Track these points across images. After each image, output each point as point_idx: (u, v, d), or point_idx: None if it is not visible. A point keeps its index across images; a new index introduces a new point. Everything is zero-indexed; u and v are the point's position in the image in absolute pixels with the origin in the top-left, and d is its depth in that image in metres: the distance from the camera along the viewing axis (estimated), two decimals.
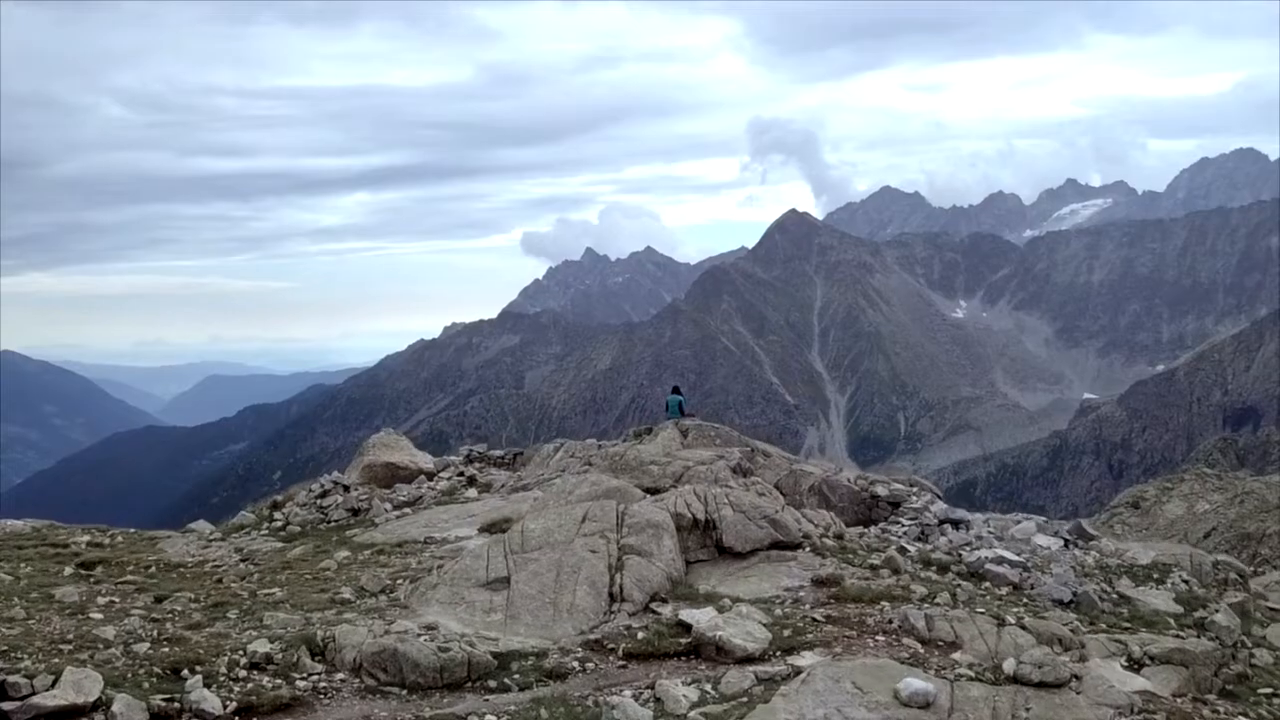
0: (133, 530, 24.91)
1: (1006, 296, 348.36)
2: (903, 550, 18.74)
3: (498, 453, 32.57)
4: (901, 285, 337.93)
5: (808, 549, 17.93)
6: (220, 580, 17.79)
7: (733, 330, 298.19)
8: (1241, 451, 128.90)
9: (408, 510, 24.91)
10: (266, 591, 16.44)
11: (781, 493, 22.09)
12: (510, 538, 16.05)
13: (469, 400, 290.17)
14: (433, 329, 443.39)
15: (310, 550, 20.38)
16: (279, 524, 24.69)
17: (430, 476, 28.92)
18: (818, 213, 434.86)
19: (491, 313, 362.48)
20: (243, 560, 20.10)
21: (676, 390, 33.15)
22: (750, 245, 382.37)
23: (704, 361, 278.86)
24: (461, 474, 29.40)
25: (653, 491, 20.22)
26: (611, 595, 14.88)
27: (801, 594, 15.93)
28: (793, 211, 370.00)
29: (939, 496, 24.63)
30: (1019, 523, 21.91)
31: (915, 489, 24.41)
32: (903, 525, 21.08)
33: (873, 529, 21.13)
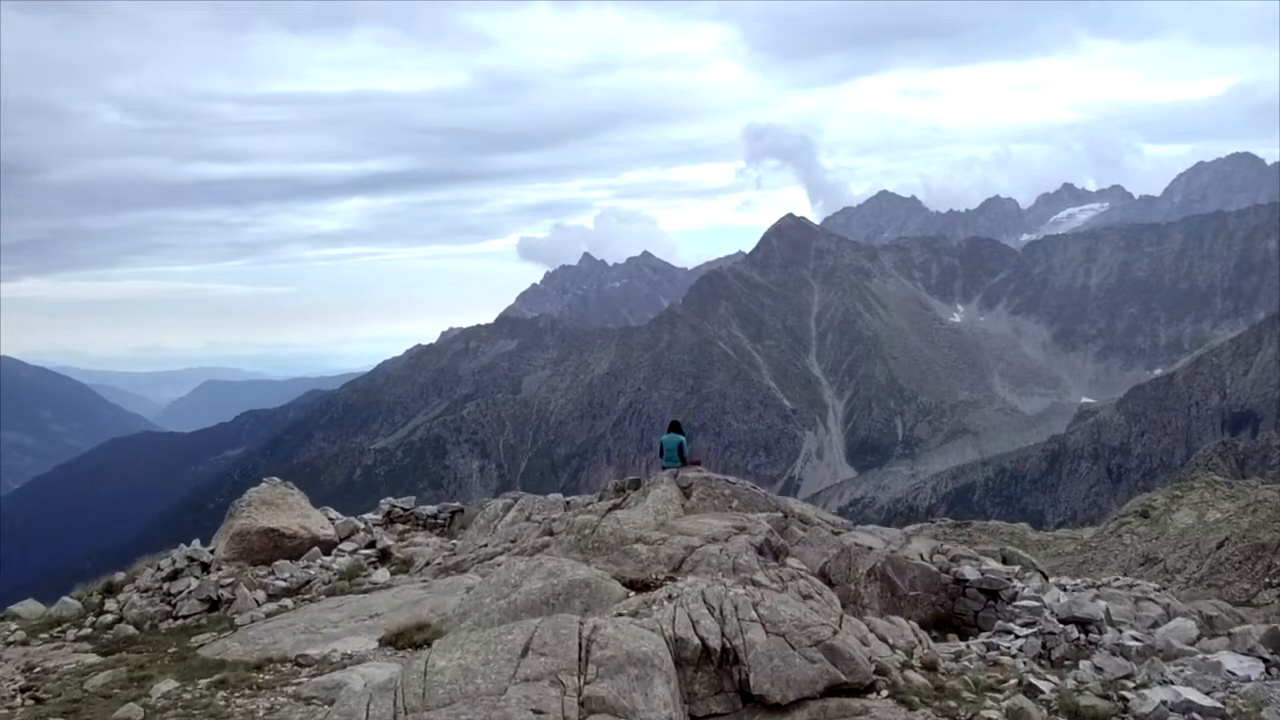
0: None
1: (1004, 301, 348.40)
2: (1032, 690, 12.55)
3: (429, 510, 26.52)
4: (899, 289, 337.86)
5: (884, 692, 11.98)
6: None
7: (730, 335, 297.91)
8: (1241, 456, 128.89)
9: (287, 603, 18.70)
10: None
11: (830, 582, 16.54)
12: (406, 683, 10.09)
13: (466, 405, 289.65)
14: (430, 334, 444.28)
15: (124, 675, 14.35)
16: (108, 619, 18.53)
17: (328, 549, 22.53)
18: (814, 217, 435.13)
19: (488, 318, 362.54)
20: (22, 690, 14.44)
21: (676, 427, 23.49)
22: (747, 250, 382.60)
23: (701, 366, 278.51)
24: (372, 544, 22.96)
25: (638, 587, 14.52)
26: None
27: None
28: (790, 216, 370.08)
29: (1044, 574, 19.38)
30: (1163, 610, 16.44)
31: (1016, 568, 19.13)
32: (1015, 634, 15.14)
33: (973, 644, 15.03)
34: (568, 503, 23.80)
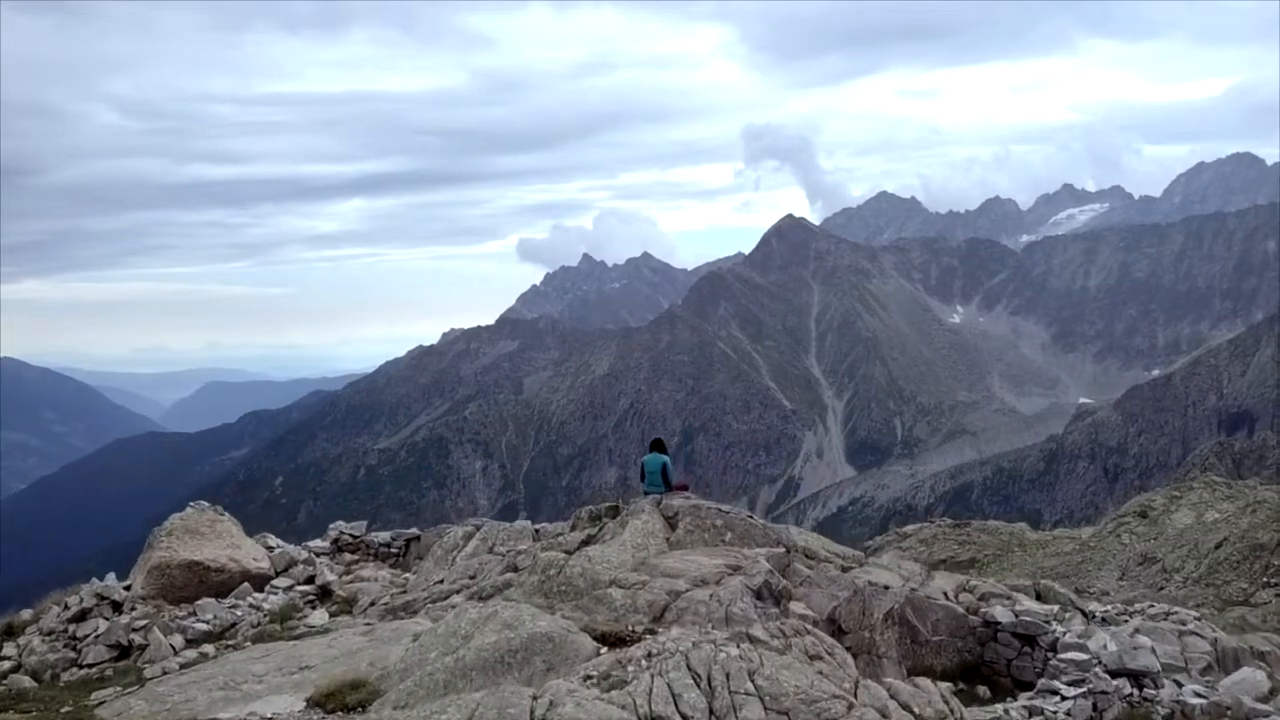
0: None
1: (1003, 301, 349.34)
2: None
3: (381, 538, 23.93)
4: (898, 290, 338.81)
5: None
6: None
7: (730, 335, 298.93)
8: (1238, 456, 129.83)
9: (208, 649, 16.42)
10: None
11: (841, 629, 14.64)
12: None
13: (468, 406, 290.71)
14: (431, 335, 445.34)
15: None
16: (5, 666, 16.77)
17: (262, 584, 20.05)
18: (813, 218, 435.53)
19: (489, 319, 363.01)
20: None
21: (659, 446, 21.11)
22: (747, 251, 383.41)
23: (701, 367, 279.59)
24: (310, 579, 20.47)
25: (611, 641, 12.24)
26: None
27: None
28: (789, 217, 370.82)
29: (1087, 615, 17.19)
30: (1211, 646, 15.26)
31: (1054, 607, 16.94)
32: (1061, 694, 13.08)
33: (1012, 709, 12.88)
34: (537, 531, 21.28)
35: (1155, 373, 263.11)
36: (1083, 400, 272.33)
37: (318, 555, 22.77)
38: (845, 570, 17.27)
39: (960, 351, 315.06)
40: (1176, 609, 18.69)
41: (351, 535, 23.96)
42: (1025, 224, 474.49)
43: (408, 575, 21.41)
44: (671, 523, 17.85)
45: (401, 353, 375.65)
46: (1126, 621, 17.12)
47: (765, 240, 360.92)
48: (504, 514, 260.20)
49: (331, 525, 24.77)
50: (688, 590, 13.95)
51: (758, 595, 14.09)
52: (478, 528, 21.71)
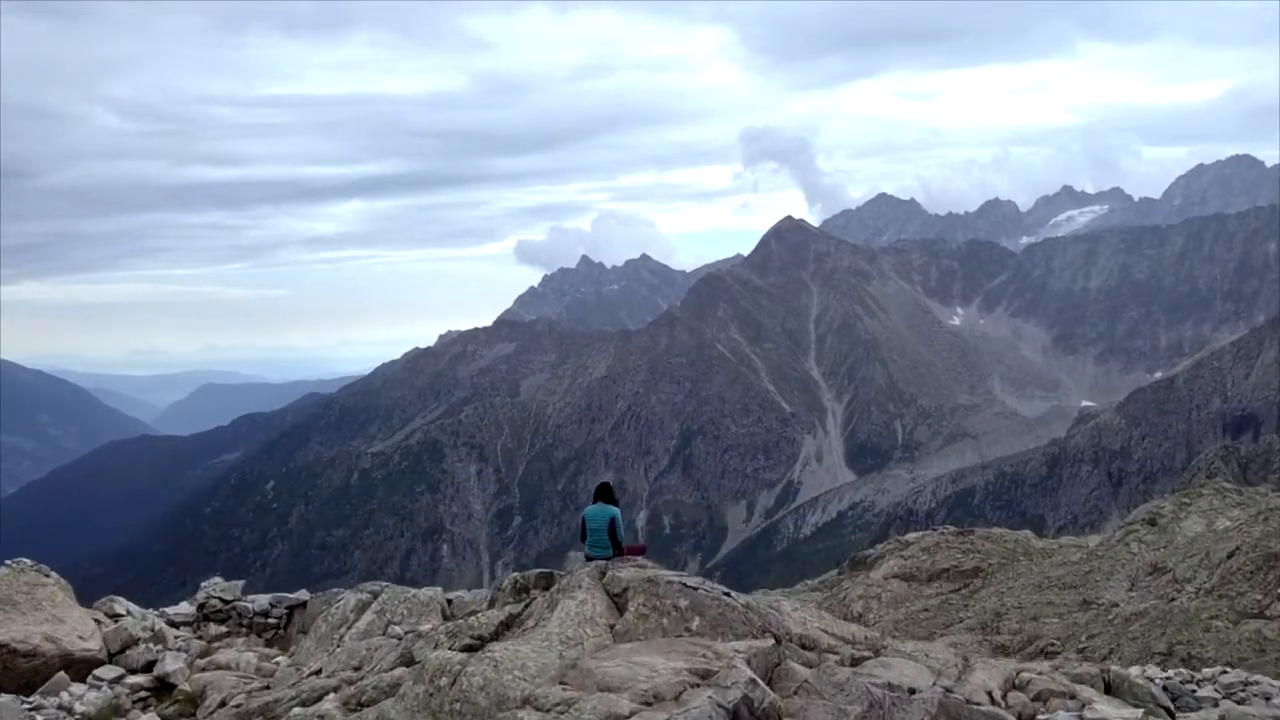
0: None
1: (1003, 303, 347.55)
2: None
3: (259, 604, 19.63)
4: (898, 292, 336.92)
5: None
6: None
7: (729, 338, 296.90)
8: (1243, 460, 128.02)
9: None
10: None
11: None
12: None
13: (464, 409, 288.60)
14: (428, 337, 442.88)
15: None
16: None
17: (88, 670, 15.93)
18: (812, 220, 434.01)
19: (486, 321, 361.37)
20: None
21: (605, 494, 16.16)
22: (746, 252, 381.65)
23: (700, 369, 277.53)
24: (150, 665, 16.40)
25: None
26: None
27: None
28: (788, 219, 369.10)
29: (1171, 713, 13.87)
30: None
31: (1139, 714, 13.07)
32: None
33: None
34: (449, 601, 17.60)
35: (1157, 375, 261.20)
36: (1085, 403, 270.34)
37: (177, 626, 18.68)
38: (856, 663, 12.98)
39: (960, 354, 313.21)
40: (1256, 679, 15.56)
41: (222, 600, 19.47)
42: (1025, 226, 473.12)
43: (280, 658, 17.25)
44: (618, 602, 13.38)
45: (398, 355, 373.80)
46: (1189, 683, 14.10)
47: (764, 242, 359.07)
48: (499, 518, 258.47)
49: (204, 583, 20.38)
50: (632, 715, 9.97)
51: (734, 718, 10.13)
52: (375, 595, 17.91)
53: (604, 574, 14.21)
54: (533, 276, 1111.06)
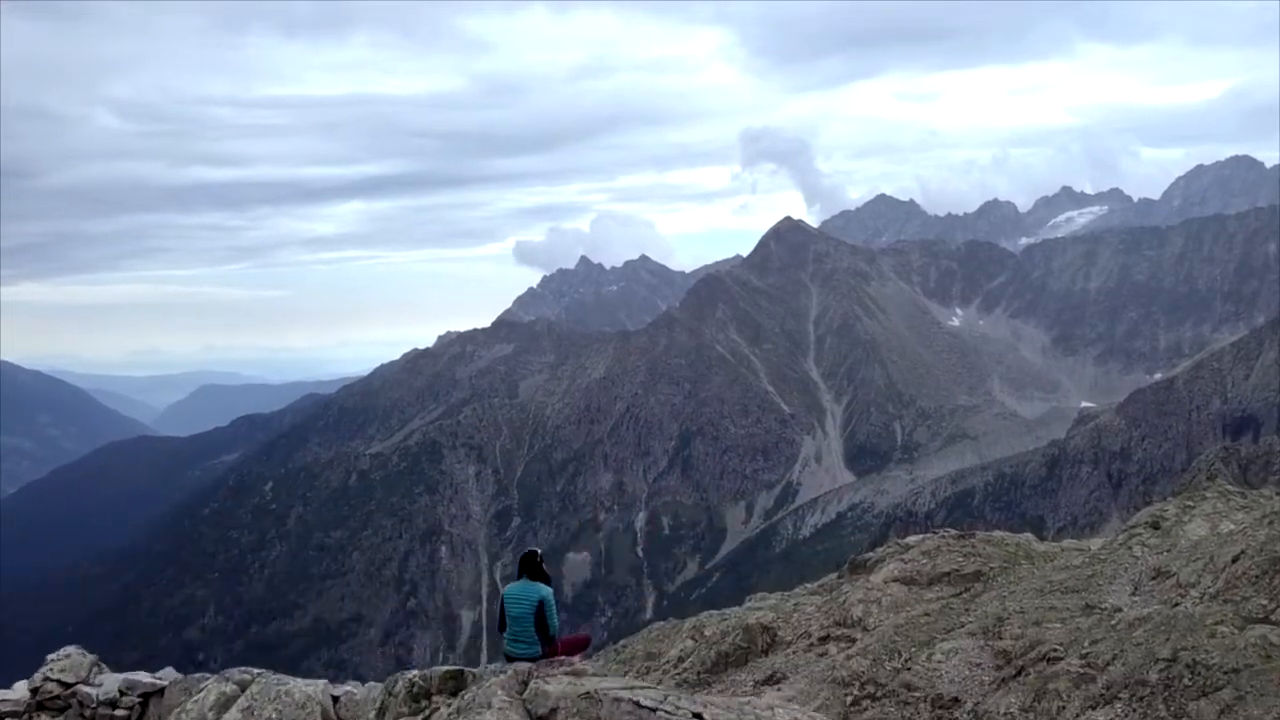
0: None
1: (1003, 304, 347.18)
2: None
3: (107, 690, 15.43)
4: (897, 293, 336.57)
5: None
6: None
7: (728, 338, 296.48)
8: (1244, 461, 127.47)
9: None
10: None
11: None
12: None
13: (462, 410, 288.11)
14: (427, 338, 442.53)
15: None
16: None
17: None
18: (811, 221, 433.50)
19: (485, 321, 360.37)
20: None
21: (531, 566, 12.41)
22: (745, 253, 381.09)
23: (699, 370, 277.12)
24: None
25: None
26: None
27: None
28: (787, 219, 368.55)
29: None
30: None
31: None
32: None
33: None
34: (335, 699, 14.22)
35: (1157, 376, 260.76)
36: (1084, 404, 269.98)
37: (1, 718, 15.21)
38: None
39: (960, 355, 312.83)
40: None
41: (62, 683, 15.26)
42: (1024, 226, 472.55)
43: None
44: None
45: (397, 355, 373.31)
46: None
47: (763, 243, 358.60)
48: (497, 520, 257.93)
49: (51, 655, 16.22)
50: None
51: None
52: (243, 687, 14.32)
53: (525, 683, 10.64)
54: (532, 277, 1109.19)
